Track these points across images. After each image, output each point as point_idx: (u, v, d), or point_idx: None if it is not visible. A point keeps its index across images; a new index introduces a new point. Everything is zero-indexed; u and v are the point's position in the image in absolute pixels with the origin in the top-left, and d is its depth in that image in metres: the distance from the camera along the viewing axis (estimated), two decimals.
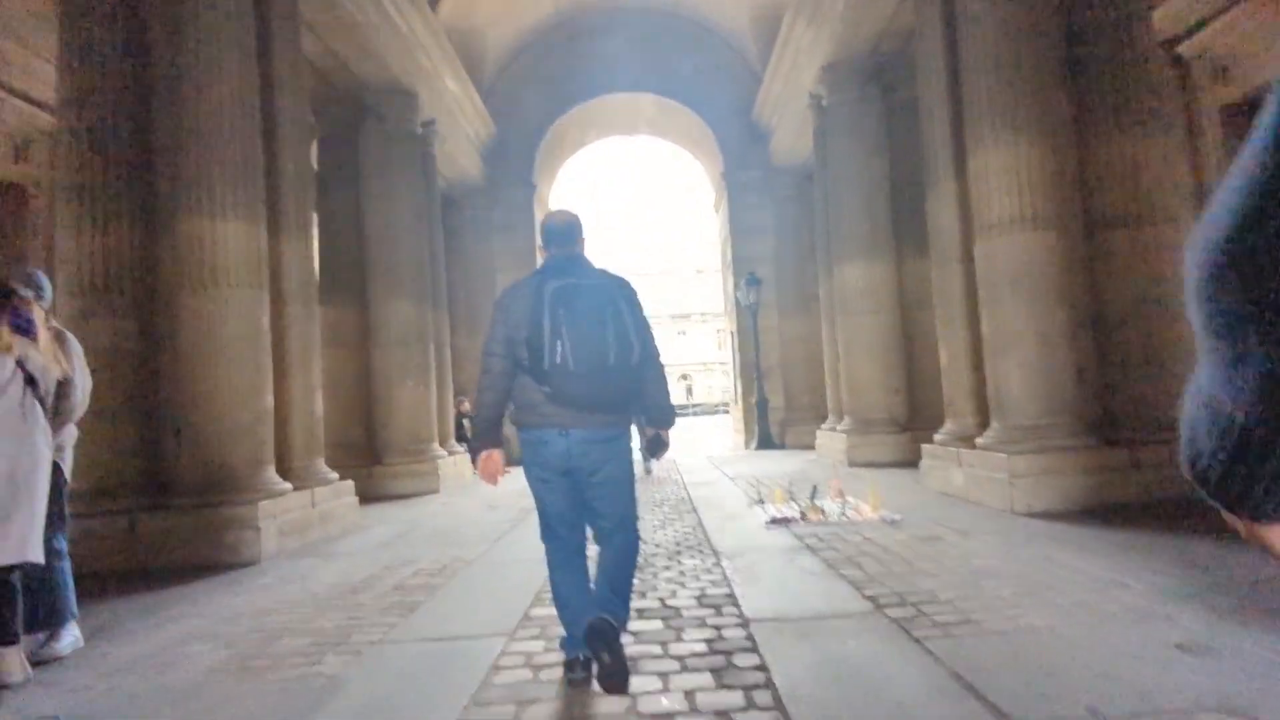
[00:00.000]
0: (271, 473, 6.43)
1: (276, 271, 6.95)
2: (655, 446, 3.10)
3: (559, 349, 2.63)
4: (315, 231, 7.69)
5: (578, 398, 2.71)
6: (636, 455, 4.54)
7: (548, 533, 2.99)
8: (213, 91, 6.20)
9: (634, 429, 3.97)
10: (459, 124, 13.64)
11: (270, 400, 6.55)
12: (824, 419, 15.28)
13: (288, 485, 6.52)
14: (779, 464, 11.94)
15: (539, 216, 16.66)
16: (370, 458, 10.80)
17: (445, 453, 11.31)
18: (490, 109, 15.38)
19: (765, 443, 15.15)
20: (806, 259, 15.79)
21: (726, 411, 36.28)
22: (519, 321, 2.78)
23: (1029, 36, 6.03)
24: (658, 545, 5.59)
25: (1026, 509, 5.84)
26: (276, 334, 6.86)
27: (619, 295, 2.79)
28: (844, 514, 6.16)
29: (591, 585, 2.99)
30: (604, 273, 2.94)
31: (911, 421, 10.82)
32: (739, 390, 16.57)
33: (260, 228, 6.56)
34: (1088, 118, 6.20)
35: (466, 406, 13.57)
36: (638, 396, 2.91)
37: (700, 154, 18.25)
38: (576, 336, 2.64)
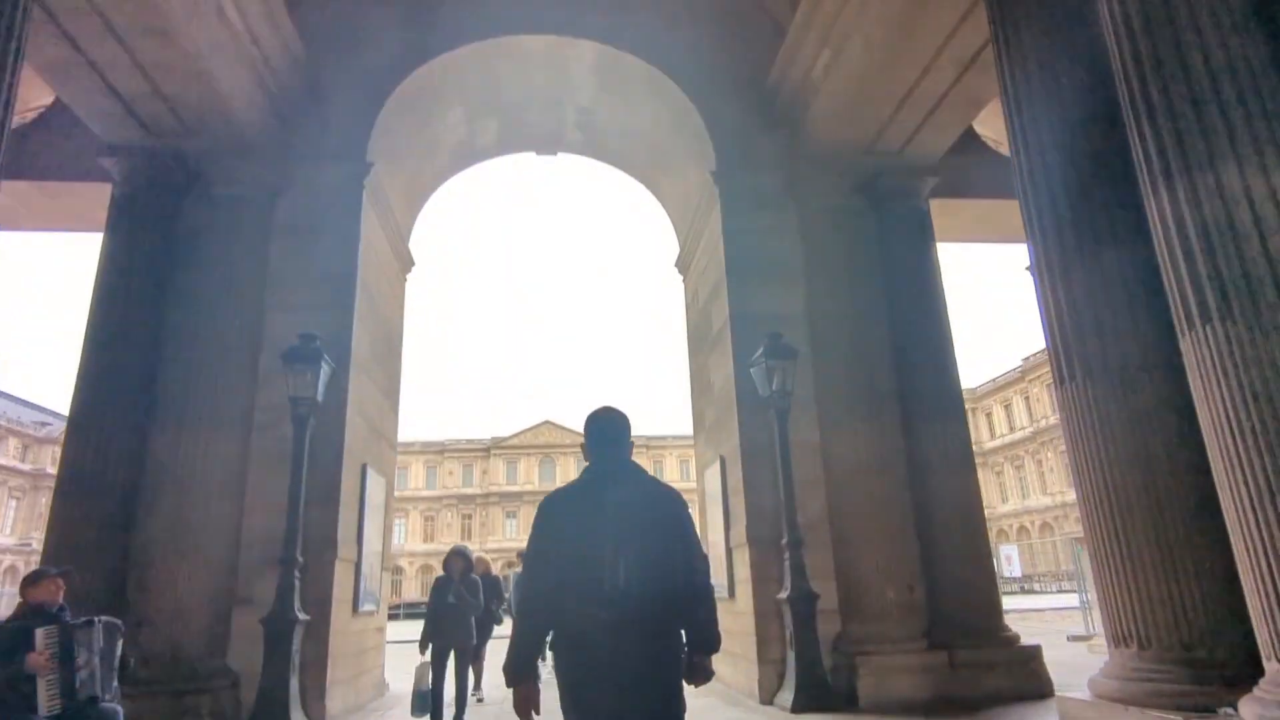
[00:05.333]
0: None
1: None
2: (696, 673, 2.63)
3: (621, 570, 2.41)
4: None
5: (637, 625, 2.42)
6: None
7: None
8: None
9: None
10: None
11: None
12: (921, 636, 7.44)
13: None
14: None
15: (372, 225, 8.99)
16: None
17: None
18: (300, 23, 8.21)
19: (816, 695, 6.92)
20: (871, 323, 8.57)
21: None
22: (570, 538, 2.51)
23: None
24: None
25: None
26: None
27: (675, 510, 2.64)
28: None
29: None
30: (657, 482, 2.75)
31: None
32: (736, 571, 8.48)
33: None
34: None
35: (58, 592, 4.84)
36: (686, 617, 2.61)
37: (664, 173, 11.30)
38: (641, 556, 2.45)
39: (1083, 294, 4.37)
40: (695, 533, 2.69)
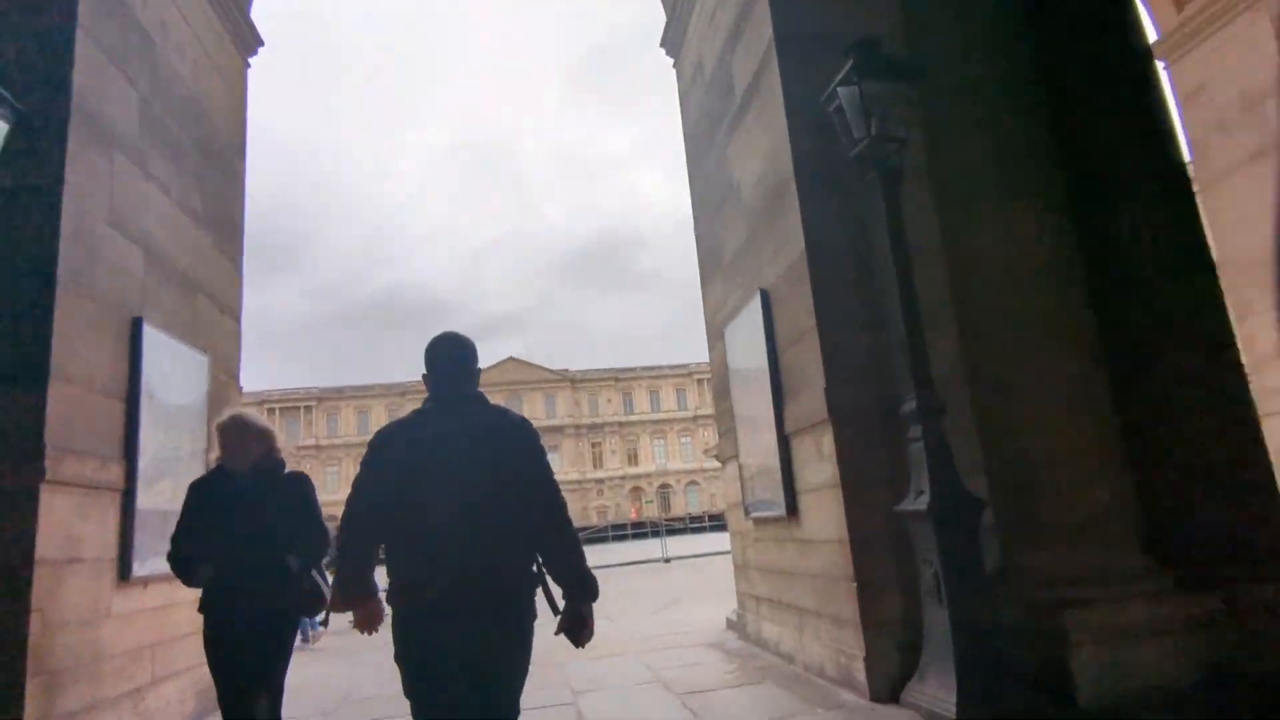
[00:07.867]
0: None
1: None
2: (575, 627, 2.33)
3: (443, 507, 2.17)
4: None
5: (467, 567, 2.16)
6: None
7: None
8: None
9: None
10: None
11: None
12: (1153, 568, 4.04)
13: None
14: None
15: None
16: None
17: None
18: None
19: (1001, 690, 3.56)
20: (1012, 45, 4.97)
21: (709, 527, 25.01)
22: (395, 471, 2.26)
23: None
24: None
25: None
26: None
27: (519, 443, 2.36)
28: None
29: None
30: (501, 413, 2.43)
31: None
32: (801, 473, 5.04)
33: None
34: None
35: None
36: (545, 563, 2.35)
37: None
38: (465, 493, 2.20)
39: None
40: (546, 465, 2.38)
